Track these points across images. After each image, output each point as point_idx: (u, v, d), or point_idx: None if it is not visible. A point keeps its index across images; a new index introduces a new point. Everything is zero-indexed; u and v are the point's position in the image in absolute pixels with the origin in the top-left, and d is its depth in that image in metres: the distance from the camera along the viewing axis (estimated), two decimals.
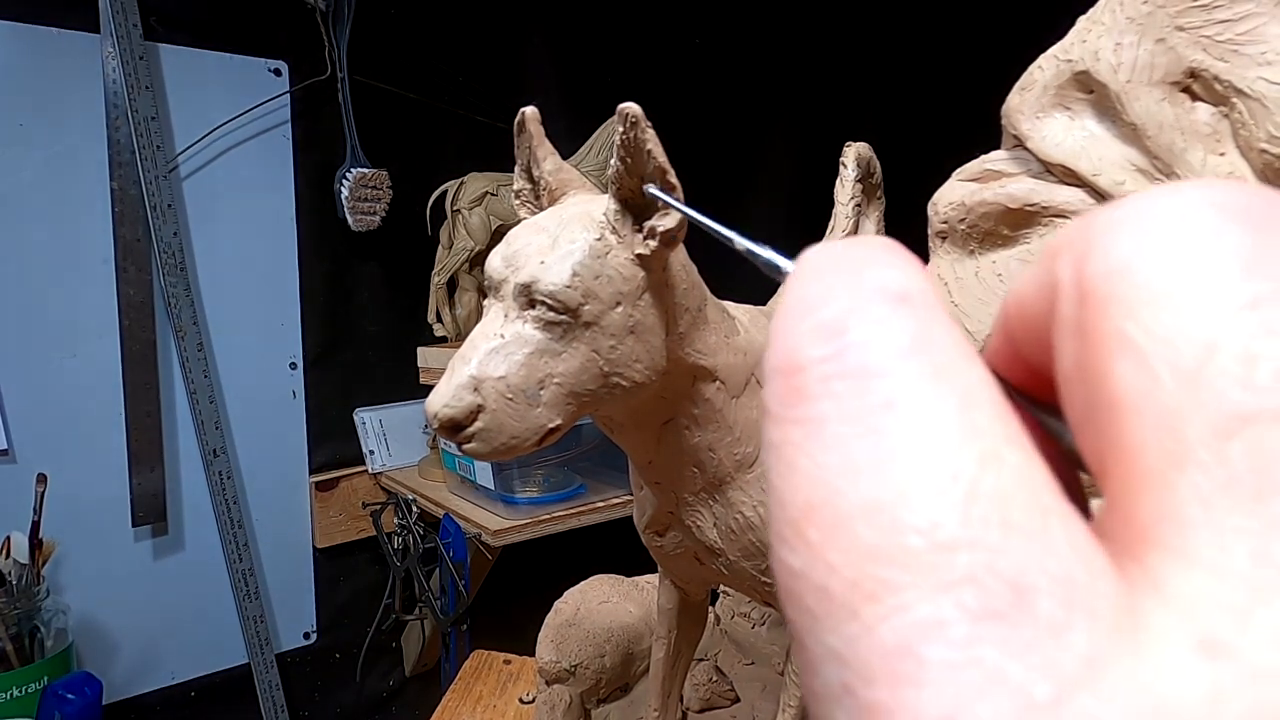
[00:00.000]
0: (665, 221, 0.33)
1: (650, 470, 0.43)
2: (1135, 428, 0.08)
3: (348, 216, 1.22)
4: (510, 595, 1.26)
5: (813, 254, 0.11)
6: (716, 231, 0.24)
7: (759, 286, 0.34)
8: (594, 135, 1.19)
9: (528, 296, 0.34)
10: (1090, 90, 0.34)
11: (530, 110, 0.38)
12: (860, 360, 0.09)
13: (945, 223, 0.38)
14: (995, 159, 0.37)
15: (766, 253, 0.19)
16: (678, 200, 0.31)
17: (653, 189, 0.32)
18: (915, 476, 0.08)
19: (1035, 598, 0.08)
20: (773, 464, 0.09)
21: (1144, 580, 0.08)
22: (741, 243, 0.21)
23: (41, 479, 0.98)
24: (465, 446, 0.33)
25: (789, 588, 0.09)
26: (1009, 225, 0.36)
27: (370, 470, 1.31)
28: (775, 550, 0.09)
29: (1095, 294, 0.09)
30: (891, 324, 0.09)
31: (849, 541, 0.08)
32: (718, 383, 0.39)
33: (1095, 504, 0.10)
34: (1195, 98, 0.31)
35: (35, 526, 0.98)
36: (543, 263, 0.33)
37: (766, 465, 0.10)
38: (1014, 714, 0.07)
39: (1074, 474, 0.11)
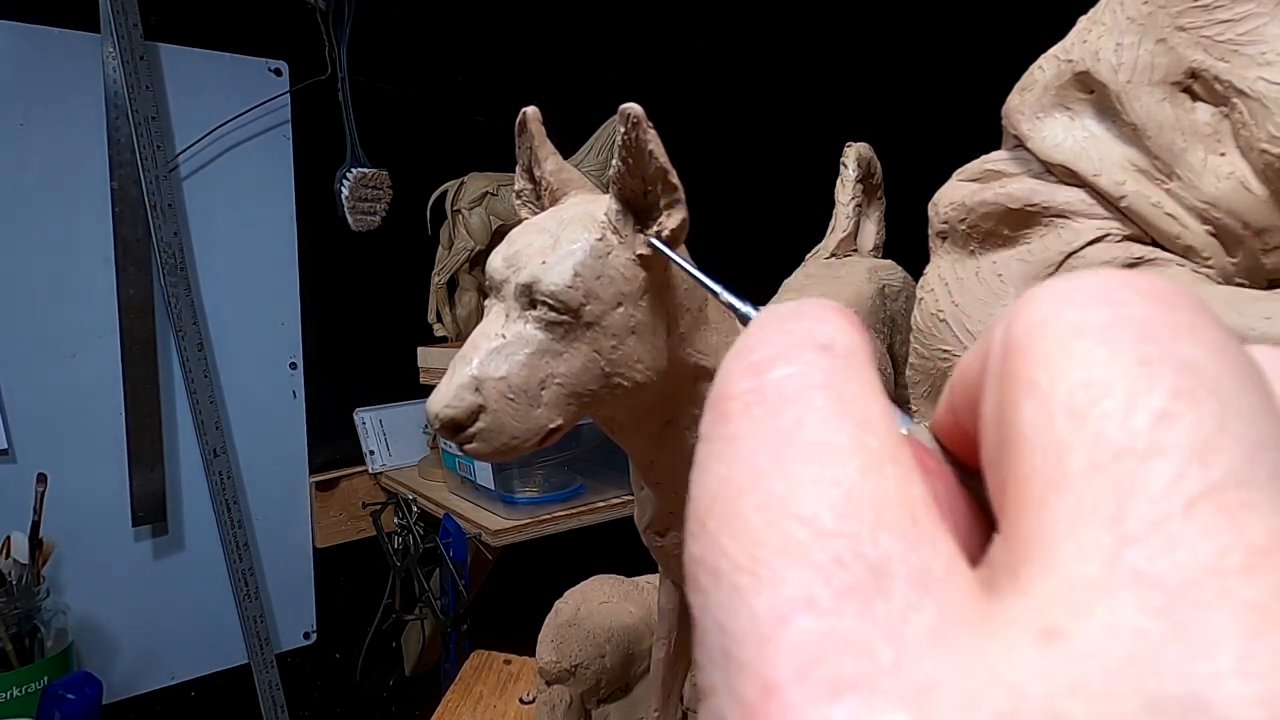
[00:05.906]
0: (666, 222, 0.33)
1: (651, 471, 0.43)
2: (1027, 459, 0.09)
3: (348, 216, 1.22)
4: (510, 595, 1.26)
5: (765, 310, 0.12)
6: (707, 286, 0.27)
7: (760, 287, 0.34)
8: (594, 135, 1.19)
9: (529, 297, 0.34)
10: (1090, 90, 0.34)
11: (531, 110, 0.38)
12: (777, 390, 0.11)
13: (945, 223, 0.38)
14: (996, 159, 0.37)
15: (745, 308, 0.24)
16: (676, 253, 0.33)
17: (653, 239, 0.33)
18: (804, 480, 0.09)
19: (892, 582, 0.09)
20: (693, 477, 0.11)
21: (1012, 589, 0.09)
22: (726, 298, 0.25)
23: (41, 479, 0.98)
24: (466, 447, 0.34)
25: (690, 572, 0.10)
26: (1009, 226, 0.36)
27: (370, 470, 1.31)
28: (684, 544, 0.10)
29: (1015, 347, 0.10)
30: (810, 364, 0.11)
31: (741, 528, 0.09)
32: None
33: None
34: (1196, 98, 0.31)
35: (35, 526, 0.98)
36: (544, 263, 0.33)
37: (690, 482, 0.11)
38: (859, 670, 0.08)
39: (990, 531, 0.12)
